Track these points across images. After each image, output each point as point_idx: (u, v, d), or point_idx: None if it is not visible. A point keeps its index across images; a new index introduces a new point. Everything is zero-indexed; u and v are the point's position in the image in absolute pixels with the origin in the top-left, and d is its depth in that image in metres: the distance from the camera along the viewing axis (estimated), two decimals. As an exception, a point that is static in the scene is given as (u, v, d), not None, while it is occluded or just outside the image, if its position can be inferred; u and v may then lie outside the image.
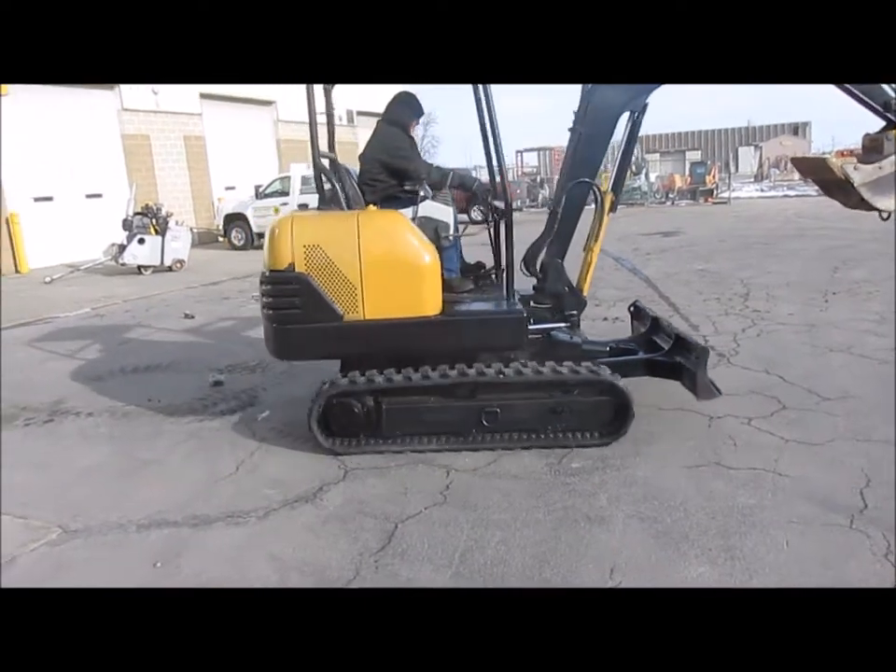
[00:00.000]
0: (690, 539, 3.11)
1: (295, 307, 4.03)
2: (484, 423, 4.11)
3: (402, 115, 4.60)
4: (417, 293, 4.08)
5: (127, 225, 13.19)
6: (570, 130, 4.47)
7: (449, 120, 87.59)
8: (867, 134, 4.48)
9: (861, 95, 4.30)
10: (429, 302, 4.10)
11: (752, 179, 41.56)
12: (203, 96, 19.09)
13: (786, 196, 30.72)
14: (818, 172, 4.72)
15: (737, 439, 4.16)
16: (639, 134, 4.82)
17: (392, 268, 4.04)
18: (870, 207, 4.40)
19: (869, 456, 3.83)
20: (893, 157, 4.31)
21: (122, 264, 13.05)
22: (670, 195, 28.00)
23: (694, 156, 36.07)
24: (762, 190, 33.36)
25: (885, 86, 4.29)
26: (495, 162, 4.43)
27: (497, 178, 4.37)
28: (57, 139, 15.57)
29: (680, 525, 3.24)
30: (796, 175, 44.75)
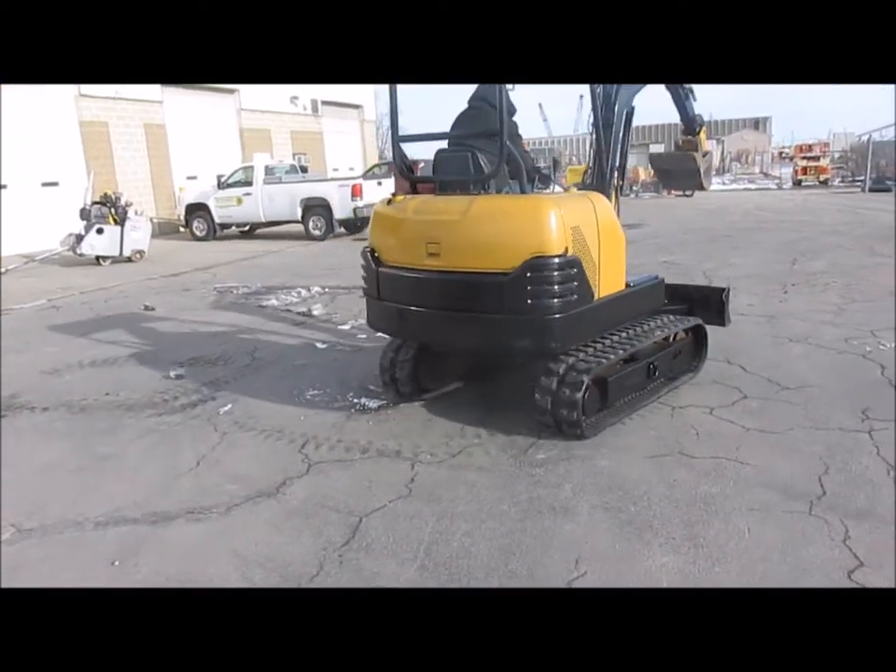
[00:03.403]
0: (654, 529, 3.13)
1: (573, 292, 3.91)
2: (652, 376, 4.56)
3: (510, 105, 4.47)
4: (623, 268, 4.42)
5: (85, 214, 12.89)
6: (595, 126, 4.67)
7: (418, 116, 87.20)
8: (680, 137, 6.26)
9: (683, 103, 5.66)
10: (624, 275, 4.45)
11: (714, 173, 42.13)
12: (164, 83, 18.72)
13: (747, 189, 31.23)
14: (678, 163, 6.39)
15: (700, 428, 4.20)
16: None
17: (614, 246, 4.27)
18: (687, 188, 7.52)
19: (827, 444, 3.89)
20: (711, 153, 6.45)
21: (80, 255, 12.74)
22: (634, 188, 28.25)
23: (658, 149, 36.39)
24: (723, 184, 33.85)
25: (695, 102, 5.74)
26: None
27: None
28: (11, 125, 15.11)
29: (644, 514, 3.26)
30: (757, 169, 45.56)
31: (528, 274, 3.80)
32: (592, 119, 4.66)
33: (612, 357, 4.19)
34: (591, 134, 4.84)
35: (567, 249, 3.86)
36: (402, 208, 4.40)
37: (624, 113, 4.81)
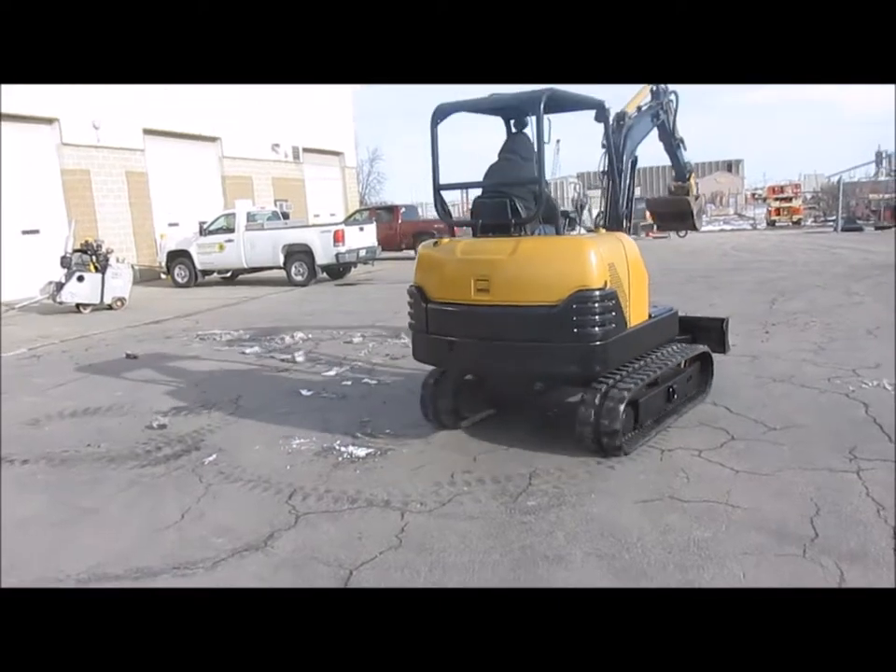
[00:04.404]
0: (649, 576, 3.09)
1: (611, 321, 4.31)
2: (672, 398, 4.94)
3: (532, 153, 4.80)
4: (647, 300, 4.85)
5: (65, 262, 12.84)
6: (609, 174, 5.07)
7: (395, 157, 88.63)
8: (671, 183, 6.92)
9: (674, 152, 6.27)
10: (647, 307, 4.86)
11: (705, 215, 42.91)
12: (147, 132, 18.86)
13: (722, 230, 31.80)
14: (673, 207, 6.97)
15: (689, 471, 4.19)
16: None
17: (640, 280, 4.70)
18: (681, 229, 8.03)
19: (816, 485, 3.89)
20: (702, 196, 7.40)
21: (60, 303, 12.65)
22: (612, 230, 28.60)
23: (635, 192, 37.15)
24: (699, 225, 34.39)
25: (686, 151, 6.40)
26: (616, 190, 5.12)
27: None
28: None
29: (639, 561, 3.23)
30: (731, 210, 46.49)
31: (574, 306, 4.21)
32: (604, 168, 5.03)
33: (645, 379, 4.56)
34: (602, 181, 5.21)
35: (606, 283, 4.28)
36: (449, 250, 4.78)
37: (630, 162, 5.16)
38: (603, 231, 4.86)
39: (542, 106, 4.30)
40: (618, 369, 4.54)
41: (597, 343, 4.25)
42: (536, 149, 4.47)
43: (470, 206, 4.98)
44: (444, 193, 4.98)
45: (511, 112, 4.94)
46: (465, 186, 5.17)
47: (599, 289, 4.24)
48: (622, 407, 4.28)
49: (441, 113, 4.72)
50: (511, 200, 4.55)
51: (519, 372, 4.75)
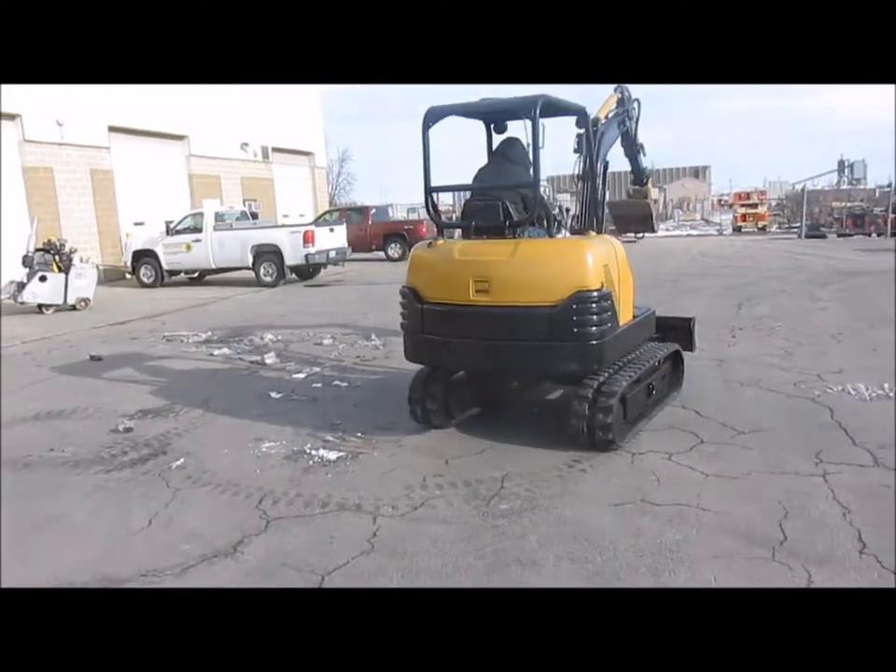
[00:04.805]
0: (621, 579, 3.11)
1: (607, 321, 4.45)
2: (651, 394, 5.10)
3: (525, 158, 4.86)
4: (632, 300, 5.01)
5: (27, 261, 12.56)
6: (590, 179, 5.16)
7: (365, 158, 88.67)
8: (630, 187, 7.13)
9: (635, 157, 6.40)
10: (632, 307, 5.03)
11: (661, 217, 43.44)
12: (112, 129, 18.54)
13: (689, 235, 32.24)
14: (634, 210, 7.16)
15: (660, 474, 4.22)
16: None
17: (627, 281, 4.87)
18: (641, 231, 8.48)
19: (784, 489, 3.95)
20: (658, 200, 8.08)
21: (21, 303, 12.38)
22: (582, 233, 28.80)
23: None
24: (667, 230, 34.86)
25: (645, 159, 6.57)
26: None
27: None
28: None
29: (611, 564, 3.24)
30: (698, 216, 47.19)
31: (574, 306, 4.34)
32: (580, 172, 5.12)
33: (635, 374, 4.74)
34: (576, 185, 5.28)
35: (602, 284, 4.43)
36: (445, 251, 4.83)
37: (602, 166, 5.30)
38: (593, 233, 4.95)
39: (538, 111, 4.34)
40: (616, 363, 4.71)
41: (595, 341, 4.40)
42: (531, 154, 4.56)
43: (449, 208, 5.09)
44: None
45: (504, 116, 4.97)
46: (456, 188, 5.29)
47: (597, 290, 4.38)
48: (614, 404, 4.42)
49: (432, 116, 4.72)
50: (504, 203, 4.63)
51: (517, 371, 4.89)
